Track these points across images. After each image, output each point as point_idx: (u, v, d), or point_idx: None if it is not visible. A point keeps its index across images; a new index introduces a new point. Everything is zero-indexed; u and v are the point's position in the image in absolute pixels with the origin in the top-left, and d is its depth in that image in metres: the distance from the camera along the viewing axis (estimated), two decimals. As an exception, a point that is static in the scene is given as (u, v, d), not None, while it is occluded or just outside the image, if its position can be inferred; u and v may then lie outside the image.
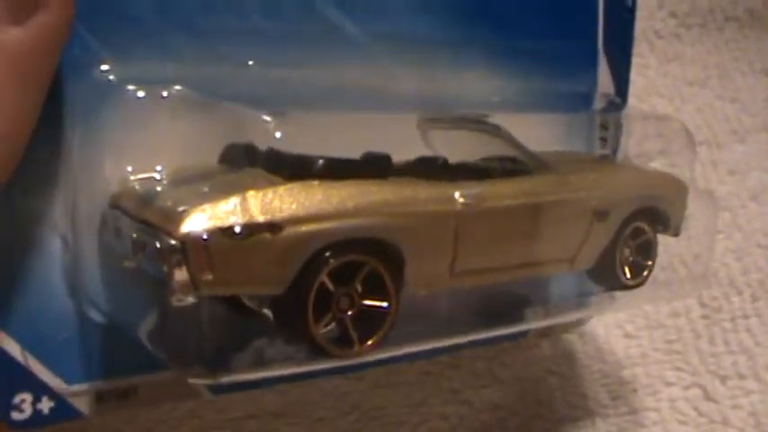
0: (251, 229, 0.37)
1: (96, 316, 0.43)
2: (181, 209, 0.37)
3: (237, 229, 0.37)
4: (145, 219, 0.39)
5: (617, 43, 0.57)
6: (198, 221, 0.37)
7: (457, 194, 0.43)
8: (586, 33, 0.56)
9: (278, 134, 0.41)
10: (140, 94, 0.42)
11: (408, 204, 0.41)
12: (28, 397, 0.43)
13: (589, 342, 0.64)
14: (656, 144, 0.56)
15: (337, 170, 0.40)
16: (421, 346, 0.46)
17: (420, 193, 0.42)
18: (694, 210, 0.53)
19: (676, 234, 0.52)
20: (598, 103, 0.57)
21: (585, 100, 0.57)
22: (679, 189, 0.53)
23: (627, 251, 0.50)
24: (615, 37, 0.57)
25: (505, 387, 0.63)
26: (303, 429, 0.62)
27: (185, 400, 0.57)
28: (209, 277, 0.37)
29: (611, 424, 0.62)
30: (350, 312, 0.40)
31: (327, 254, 0.39)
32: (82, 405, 0.44)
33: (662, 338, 0.65)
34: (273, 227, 0.38)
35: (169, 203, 0.39)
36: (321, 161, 0.40)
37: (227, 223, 0.37)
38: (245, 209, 0.38)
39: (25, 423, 0.43)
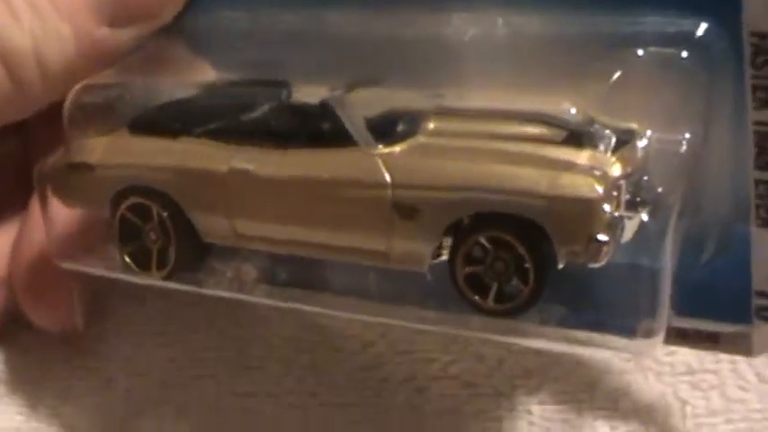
0: (70, 166, 0.50)
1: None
2: None
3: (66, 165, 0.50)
4: None
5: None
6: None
7: (231, 158, 0.45)
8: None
9: None
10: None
11: (180, 161, 0.47)
12: None
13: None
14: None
15: (149, 126, 0.49)
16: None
17: (196, 152, 0.47)
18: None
19: (586, 261, 0.39)
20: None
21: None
22: (569, 201, 0.38)
23: (481, 267, 0.41)
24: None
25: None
26: (317, 358, 0.59)
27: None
28: (63, 194, 0.51)
29: (667, 384, 0.56)
30: (154, 243, 0.48)
31: (123, 194, 0.48)
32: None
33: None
34: (88, 167, 0.49)
35: None
36: (137, 118, 0.49)
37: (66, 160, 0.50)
38: (73, 151, 0.50)
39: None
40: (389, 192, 0.41)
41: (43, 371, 0.60)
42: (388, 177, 0.41)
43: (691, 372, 0.56)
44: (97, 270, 0.52)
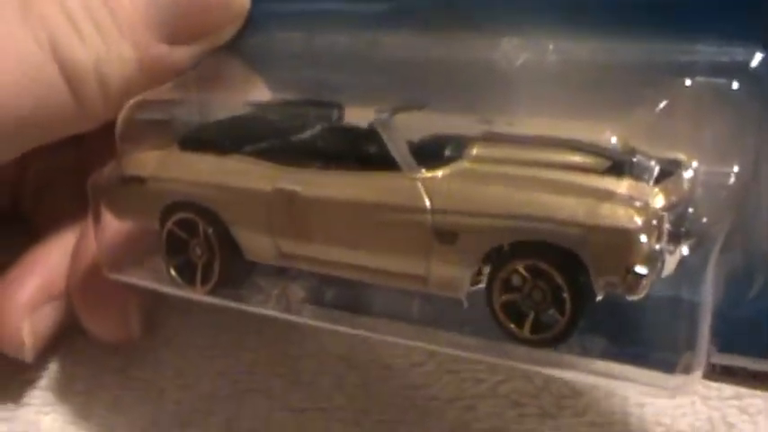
0: (123, 179, 0.50)
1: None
2: None
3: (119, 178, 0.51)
4: None
5: None
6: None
7: (278, 178, 0.45)
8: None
9: None
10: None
11: (227, 179, 0.47)
12: None
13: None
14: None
15: (196, 142, 0.49)
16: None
17: (243, 171, 0.47)
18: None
19: (623, 293, 0.38)
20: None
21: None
22: (607, 231, 0.37)
23: (517, 295, 0.40)
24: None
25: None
26: (368, 376, 0.59)
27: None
28: (114, 208, 0.52)
29: (714, 408, 0.55)
30: (200, 258, 0.49)
31: (171, 209, 0.49)
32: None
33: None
34: (140, 180, 0.50)
35: None
36: (188, 134, 0.50)
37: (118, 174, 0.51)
38: (125, 165, 0.51)
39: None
40: (429, 217, 0.41)
41: (95, 380, 0.60)
42: (428, 202, 0.41)
43: (738, 396, 0.56)
44: (144, 282, 0.52)
